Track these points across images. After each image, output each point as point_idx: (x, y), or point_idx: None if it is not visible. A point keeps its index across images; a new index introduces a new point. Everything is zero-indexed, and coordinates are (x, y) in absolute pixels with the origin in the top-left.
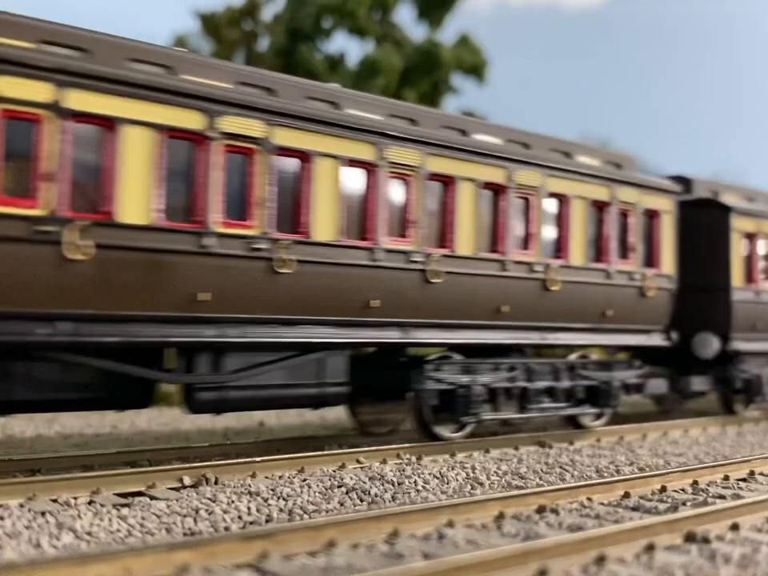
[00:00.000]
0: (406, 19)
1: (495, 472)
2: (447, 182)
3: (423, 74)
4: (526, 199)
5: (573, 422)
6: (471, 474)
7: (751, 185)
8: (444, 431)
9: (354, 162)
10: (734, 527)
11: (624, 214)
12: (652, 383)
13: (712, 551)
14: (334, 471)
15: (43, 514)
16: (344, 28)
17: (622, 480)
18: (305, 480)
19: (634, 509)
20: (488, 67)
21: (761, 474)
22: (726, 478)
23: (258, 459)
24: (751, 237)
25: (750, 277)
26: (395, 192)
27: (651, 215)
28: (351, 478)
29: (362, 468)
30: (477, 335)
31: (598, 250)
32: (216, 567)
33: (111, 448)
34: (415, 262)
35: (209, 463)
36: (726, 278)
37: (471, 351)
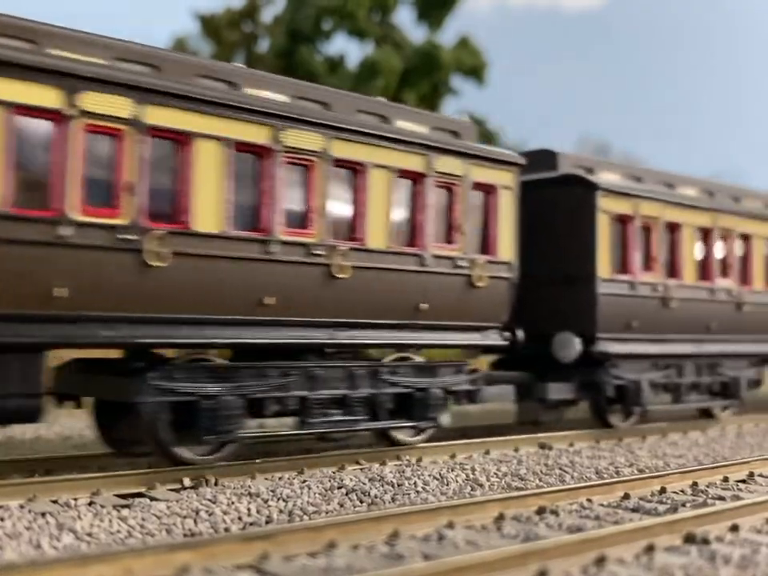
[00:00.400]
0: (406, 21)
1: (495, 473)
2: (181, 140)
3: (423, 76)
4: (304, 166)
5: (388, 438)
6: (471, 476)
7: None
8: (190, 452)
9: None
10: (734, 528)
11: (448, 189)
12: (491, 390)
13: (712, 552)
14: (334, 473)
15: (43, 514)
16: (344, 29)
17: (622, 481)
18: (305, 481)
19: (634, 510)
20: (488, 69)
21: (760, 475)
22: (726, 479)
23: (258, 461)
24: (625, 220)
25: (623, 266)
26: (95, 149)
27: (486, 191)
28: (351, 480)
29: (361, 469)
30: (232, 333)
31: (410, 231)
32: (216, 568)
33: (110, 449)
34: (124, 240)
35: (209, 465)
36: (591, 268)
37: (263, 353)
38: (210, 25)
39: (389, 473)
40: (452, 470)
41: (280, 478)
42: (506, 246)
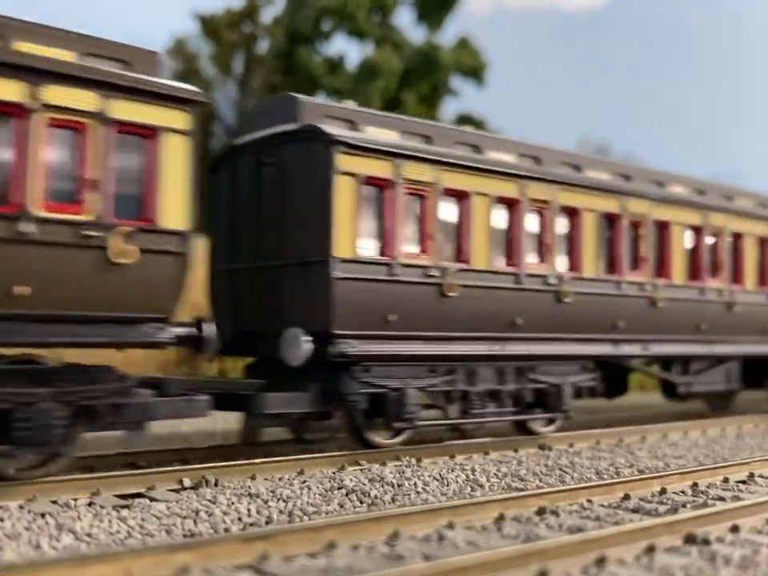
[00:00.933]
0: (406, 22)
1: (495, 474)
2: None
3: (423, 77)
4: None
5: None
6: (471, 476)
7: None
8: None
9: None
10: (734, 529)
11: (71, 129)
12: (166, 405)
13: (712, 553)
14: (334, 473)
15: (43, 515)
16: (343, 30)
17: (622, 482)
18: (305, 482)
19: (634, 510)
20: (487, 69)
21: (760, 476)
22: (726, 480)
23: (258, 461)
24: (383, 185)
25: (381, 245)
26: None
27: (140, 135)
28: (351, 480)
29: (361, 470)
30: None
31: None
32: (216, 568)
33: (111, 449)
34: None
35: (209, 465)
36: (324, 246)
37: None
38: (209, 25)
39: (389, 473)
40: (452, 471)
41: (280, 479)
42: (174, 210)
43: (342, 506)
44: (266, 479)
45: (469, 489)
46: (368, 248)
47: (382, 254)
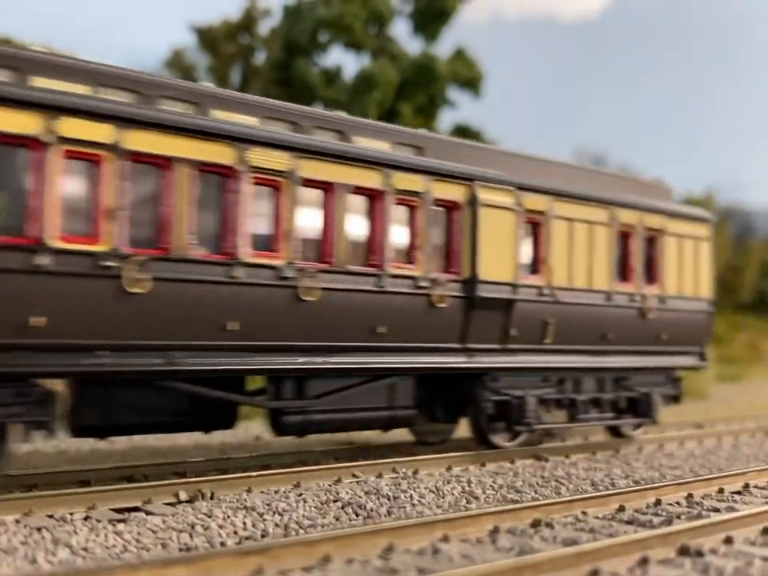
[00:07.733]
0: (402, 33)
1: (491, 485)
2: None
3: (419, 88)
4: None
5: None
6: (467, 488)
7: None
8: None
9: None
10: (728, 540)
11: None
12: None
13: (705, 564)
14: (330, 486)
15: (39, 529)
16: (340, 42)
17: (617, 493)
18: (300, 495)
19: (629, 522)
20: (483, 80)
21: (755, 486)
22: (721, 490)
23: (254, 474)
24: None
25: None
26: None
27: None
28: (347, 493)
29: (357, 482)
30: None
31: None
32: None
33: (107, 463)
34: None
35: (205, 478)
36: None
37: None
38: (207, 37)
39: (384, 485)
40: (448, 483)
41: (276, 492)
42: None
43: (337, 519)
44: (261, 492)
45: (464, 501)
46: None
47: None
